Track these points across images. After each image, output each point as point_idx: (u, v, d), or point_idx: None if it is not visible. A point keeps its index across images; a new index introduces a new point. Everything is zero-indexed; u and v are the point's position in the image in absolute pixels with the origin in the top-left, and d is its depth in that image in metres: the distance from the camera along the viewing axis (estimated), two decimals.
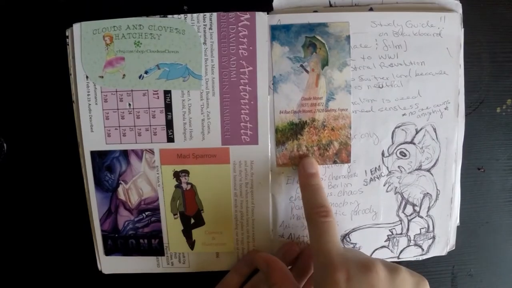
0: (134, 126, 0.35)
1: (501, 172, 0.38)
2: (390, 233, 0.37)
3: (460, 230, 0.37)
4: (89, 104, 0.35)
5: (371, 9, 0.34)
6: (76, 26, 0.34)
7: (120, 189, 0.36)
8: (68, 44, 0.34)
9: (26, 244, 0.38)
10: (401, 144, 0.35)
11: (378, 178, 0.36)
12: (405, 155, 0.36)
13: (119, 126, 0.35)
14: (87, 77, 0.34)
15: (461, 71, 0.35)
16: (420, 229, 0.37)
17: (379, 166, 0.35)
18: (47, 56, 0.35)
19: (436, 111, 0.35)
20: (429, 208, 0.36)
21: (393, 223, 0.36)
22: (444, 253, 0.37)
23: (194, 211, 0.36)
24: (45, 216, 0.37)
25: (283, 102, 0.34)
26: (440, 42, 0.34)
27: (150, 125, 0.35)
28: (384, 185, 0.36)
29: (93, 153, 0.35)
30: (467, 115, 0.36)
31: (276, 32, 0.34)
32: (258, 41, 0.34)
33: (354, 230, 0.36)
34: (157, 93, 0.34)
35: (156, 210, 0.36)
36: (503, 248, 0.39)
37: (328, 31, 0.34)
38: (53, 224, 0.37)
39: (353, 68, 0.34)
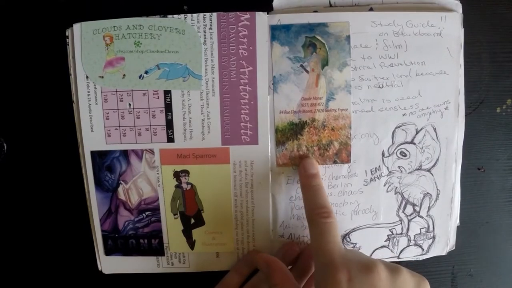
0: (134, 126, 0.35)
1: (501, 172, 0.38)
2: (390, 233, 0.37)
3: (460, 230, 0.37)
4: (89, 104, 0.35)
5: (371, 9, 0.34)
6: (76, 26, 0.34)
7: (120, 189, 0.36)
8: (68, 44, 0.34)
9: (26, 244, 0.38)
10: (401, 144, 0.35)
11: (378, 178, 0.36)
12: (405, 155, 0.36)
13: (119, 126, 0.35)
14: (87, 77, 0.34)
15: (461, 71, 0.35)
16: (420, 229, 0.37)
17: (379, 166, 0.35)
18: (47, 56, 0.35)
19: (436, 111, 0.35)
20: (429, 208, 0.36)
21: (393, 223, 0.36)
22: (444, 253, 0.37)
23: (194, 211, 0.36)
24: (45, 216, 0.37)
25: (283, 102, 0.34)
26: (441, 42, 0.34)
27: (150, 125, 0.35)
28: (384, 185, 0.36)
29: (93, 153, 0.35)
30: (467, 115, 0.36)
31: (276, 32, 0.34)
32: (258, 41, 0.34)
33: (354, 230, 0.36)
34: (157, 93, 0.34)
35: (156, 210, 0.36)
36: (503, 248, 0.39)
37: (328, 31, 0.34)
38: (53, 224, 0.37)
39: (353, 68, 0.34)
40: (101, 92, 0.34)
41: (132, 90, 0.34)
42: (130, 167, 0.35)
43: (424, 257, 0.37)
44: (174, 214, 0.36)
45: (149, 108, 0.34)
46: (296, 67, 0.34)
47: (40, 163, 0.37)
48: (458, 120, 0.36)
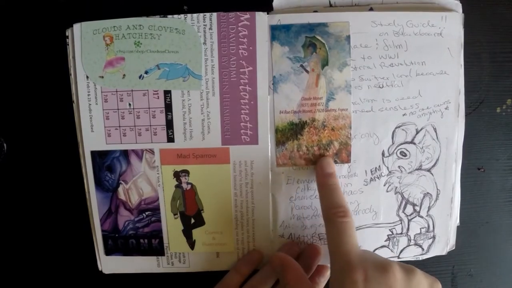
0: (134, 126, 0.35)
1: (501, 172, 0.38)
2: (390, 233, 0.37)
3: (460, 230, 0.37)
4: (89, 104, 0.35)
5: (371, 9, 0.34)
6: (76, 26, 0.34)
7: (120, 189, 0.36)
8: (68, 44, 0.34)
9: (26, 244, 0.38)
10: (402, 144, 0.35)
11: (378, 178, 0.36)
12: (405, 155, 0.36)
13: (119, 126, 0.35)
14: (87, 77, 0.34)
15: (462, 71, 0.35)
16: (420, 228, 0.37)
17: (379, 166, 0.35)
18: (47, 56, 0.35)
19: (436, 111, 0.35)
20: (429, 208, 0.36)
21: (393, 222, 0.36)
22: (444, 253, 0.37)
23: (194, 211, 0.36)
24: (45, 216, 0.37)
25: (283, 102, 0.34)
26: (441, 42, 0.34)
27: (150, 125, 0.35)
28: (384, 185, 0.36)
29: (93, 153, 0.35)
30: (467, 115, 0.36)
31: (276, 32, 0.34)
32: (258, 41, 0.34)
33: None
34: (157, 93, 0.34)
35: (156, 210, 0.36)
36: (503, 248, 0.39)
37: (328, 31, 0.34)
38: (53, 224, 0.37)
39: (353, 68, 0.34)
40: (101, 92, 0.34)
41: (132, 90, 0.34)
42: (130, 167, 0.35)
43: (424, 257, 0.37)
44: (174, 214, 0.36)
45: (149, 108, 0.34)
46: (296, 67, 0.34)
47: (40, 163, 0.37)
48: (458, 120, 0.36)
